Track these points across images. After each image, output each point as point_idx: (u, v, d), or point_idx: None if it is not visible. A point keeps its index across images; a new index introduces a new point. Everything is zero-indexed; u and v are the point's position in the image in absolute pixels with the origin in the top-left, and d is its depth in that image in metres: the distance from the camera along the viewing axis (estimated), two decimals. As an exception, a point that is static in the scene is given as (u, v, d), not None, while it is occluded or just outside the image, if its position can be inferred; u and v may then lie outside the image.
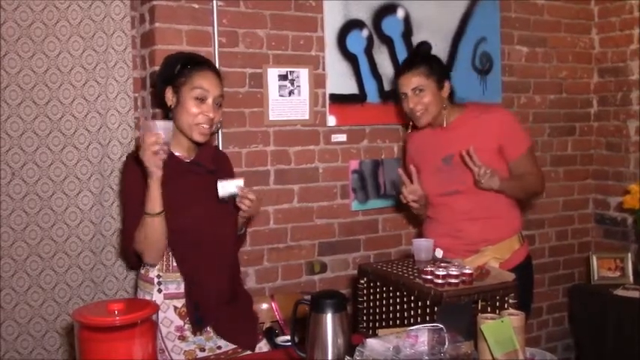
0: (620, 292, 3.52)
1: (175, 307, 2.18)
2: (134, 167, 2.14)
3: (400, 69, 2.71)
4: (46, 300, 2.78)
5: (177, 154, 2.23)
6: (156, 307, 1.80)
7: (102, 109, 2.83)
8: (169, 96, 2.22)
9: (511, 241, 2.62)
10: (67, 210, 2.80)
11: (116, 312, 1.67)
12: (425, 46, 2.75)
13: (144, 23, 2.88)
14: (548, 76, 3.88)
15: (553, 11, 3.87)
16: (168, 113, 2.27)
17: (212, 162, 2.31)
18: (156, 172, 2.02)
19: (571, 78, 3.98)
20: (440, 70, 2.65)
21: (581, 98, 4.04)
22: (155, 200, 2.05)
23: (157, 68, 2.76)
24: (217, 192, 2.14)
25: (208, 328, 2.22)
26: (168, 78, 2.23)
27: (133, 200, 2.15)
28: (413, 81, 2.59)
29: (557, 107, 3.93)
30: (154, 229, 2.08)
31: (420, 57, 2.74)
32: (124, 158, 2.82)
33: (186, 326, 2.19)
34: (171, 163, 2.15)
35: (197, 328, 2.19)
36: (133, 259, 2.24)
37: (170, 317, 2.18)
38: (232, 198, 2.19)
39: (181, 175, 2.20)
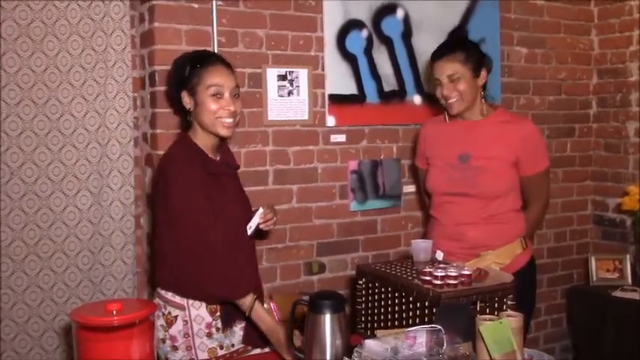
0: (618, 293, 3.51)
1: (207, 305, 2.20)
2: (191, 182, 2.12)
3: (436, 54, 2.59)
4: (44, 300, 2.78)
5: (210, 155, 2.26)
6: (154, 307, 1.80)
7: (101, 109, 2.83)
8: (187, 100, 2.22)
9: (513, 246, 2.58)
10: (65, 210, 2.80)
11: (114, 312, 1.66)
12: (461, 31, 2.70)
13: (143, 23, 2.87)
14: (547, 77, 3.88)
15: (553, 12, 3.87)
16: (187, 117, 2.27)
17: (234, 159, 2.42)
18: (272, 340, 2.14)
19: (570, 79, 3.98)
20: (477, 58, 2.56)
21: (581, 99, 4.04)
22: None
23: (156, 68, 2.77)
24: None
25: (233, 327, 2.24)
26: (180, 82, 2.23)
27: (206, 222, 2.12)
28: (448, 68, 2.51)
29: (557, 108, 3.93)
30: None
31: (456, 42, 2.66)
32: (123, 157, 2.85)
33: (214, 322, 2.20)
34: (209, 166, 2.21)
35: (224, 324, 2.21)
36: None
37: (202, 314, 2.19)
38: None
39: (220, 178, 2.25)
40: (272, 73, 3.02)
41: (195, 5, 2.85)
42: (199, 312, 2.18)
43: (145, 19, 2.85)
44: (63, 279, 2.81)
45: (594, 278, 3.72)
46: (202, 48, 2.80)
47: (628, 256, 3.72)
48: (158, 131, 2.80)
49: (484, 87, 2.62)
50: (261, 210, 2.33)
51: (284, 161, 3.09)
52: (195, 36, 2.84)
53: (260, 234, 2.47)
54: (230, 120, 2.21)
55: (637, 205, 3.55)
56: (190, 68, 2.21)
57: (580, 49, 4.00)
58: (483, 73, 2.58)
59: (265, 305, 2.65)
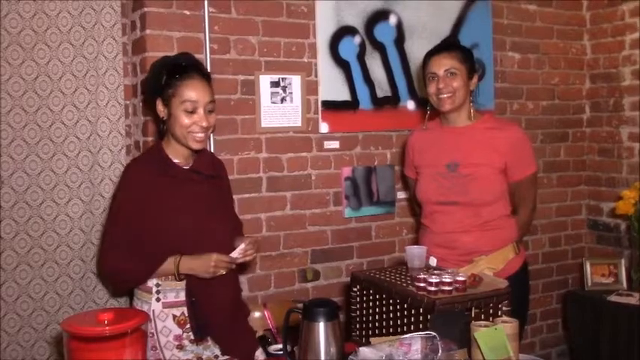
0: (613, 298, 3.51)
1: (174, 316, 2.17)
2: (133, 183, 2.17)
3: (434, 50, 2.63)
4: (35, 309, 2.75)
5: (175, 161, 2.23)
6: (146, 317, 1.78)
7: (92, 117, 2.81)
8: (160, 108, 2.20)
9: (505, 250, 2.57)
10: (56, 218, 2.78)
11: (106, 322, 1.64)
12: (454, 39, 2.74)
13: (135, 30, 2.86)
14: (540, 82, 3.89)
15: (545, 18, 3.88)
16: (159, 123, 2.26)
17: (210, 168, 2.33)
18: (203, 275, 2.14)
19: (563, 84, 3.99)
20: (472, 61, 2.61)
21: (574, 104, 4.04)
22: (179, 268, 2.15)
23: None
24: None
25: (208, 338, 2.20)
26: (156, 89, 2.21)
27: (123, 221, 2.16)
28: (447, 62, 2.54)
29: (550, 113, 3.94)
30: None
31: (454, 43, 2.70)
32: (114, 166, 2.83)
33: (184, 335, 2.17)
34: (170, 170, 2.20)
35: (198, 337, 2.17)
36: (119, 283, 2.32)
37: (169, 326, 2.16)
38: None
39: (181, 183, 2.22)
40: (265, 80, 3.01)
41: (187, 12, 2.84)
42: (165, 323, 2.16)
43: (137, 26, 2.84)
44: (54, 288, 2.78)
45: (589, 283, 3.72)
46: (194, 56, 2.81)
47: (623, 261, 3.71)
48: (150, 139, 2.78)
49: (472, 93, 2.63)
50: (242, 246, 2.24)
51: (277, 168, 3.08)
52: (187, 43, 2.83)
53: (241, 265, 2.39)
54: (202, 135, 2.19)
55: (631, 209, 3.55)
56: (167, 77, 2.17)
57: (573, 53, 4.01)
58: (475, 78, 2.62)
59: (258, 313, 2.65)
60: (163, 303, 2.17)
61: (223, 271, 2.15)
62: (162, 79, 2.18)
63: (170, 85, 2.16)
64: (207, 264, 2.12)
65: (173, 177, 2.20)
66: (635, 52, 3.80)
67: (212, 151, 2.87)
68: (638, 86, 3.80)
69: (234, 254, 2.21)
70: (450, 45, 2.65)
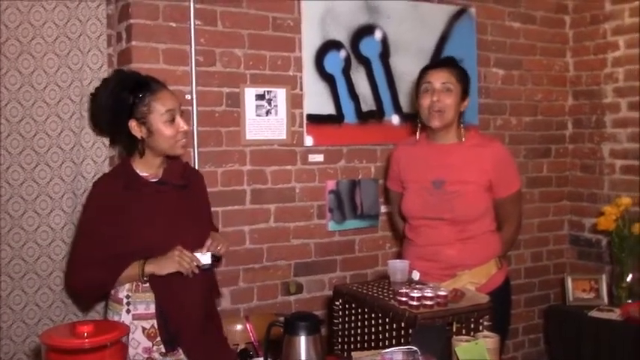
0: (594, 313, 3.52)
1: (144, 328, 2.16)
2: (99, 198, 2.19)
3: (433, 64, 2.65)
4: (15, 321, 2.73)
5: (143, 174, 2.22)
6: (126, 329, 1.77)
7: (76, 128, 2.80)
8: (137, 128, 2.16)
9: (488, 265, 2.58)
10: (38, 229, 2.76)
11: (85, 334, 1.63)
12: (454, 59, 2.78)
13: (120, 42, 2.86)
14: (523, 99, 3.93)
15: (529, 35, 3.93)
16: (131, 144, 2.22)
17: (180, 178, 2.29)
18: (170, 267, 2.12)
19: (546, 100, 4.03)
20: (467, 84, 2.63)
21: (557, 120, 4.08)
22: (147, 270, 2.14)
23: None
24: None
25: (179, 350, 2.19)
26: (125, 112, 2.15)
27: (89, 236, 2.17)
28: (444, 76, 2.55)
29: (533, 129, 3.97)
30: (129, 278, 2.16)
31: (454, 63, 2.69)
32: (98, 177, 2.81)
33: (155, 347, 2.16)
34: (136, 184, 2.19)
35: (169, 347, 2.16)
36: (87, 293, 2.36)
37: (138, 338, 2.15)
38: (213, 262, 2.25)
39: (147, 196, 2.20)
40: (250, 93, 3.02)
41: (173, 24, 2.84)
42: (134, 335, 2.15)
43: (123, 37, 2.84)
44: (35, 300, 2.76)
45: (571, 298, 3.73)
46: (180, 68, 2.82)
47: (604, 276, 3.73)
48: (134, 150, 2.77)
49: (462, 115, 2.64)
50: (208, 242, 2.25)
51: (262, 181, 3.08)
52: (172, 55, 2.83)
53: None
54: (185, 139, 2.23)
55: (612, 225, 3.59)
56: (133, 97, 2.14)
57: (556, 70, 4.06)
58: (467, 101, 2.63)
59: (240, 326, 2.63)
60: (133, 315, 2.16)
61: (188, 266, 2.11)
62: (129, 100, 2.15)
63: (141, 103, 2.14)
64: (172, 255, 2.11)
65: (139, 190, 2.18)
66: (617, 70, 3.85)
67: (196, 162, 2.87)
68: (619, 103, 3.85)
69: (198, 253, 2.18)
70: (450, 62, 2.67)
